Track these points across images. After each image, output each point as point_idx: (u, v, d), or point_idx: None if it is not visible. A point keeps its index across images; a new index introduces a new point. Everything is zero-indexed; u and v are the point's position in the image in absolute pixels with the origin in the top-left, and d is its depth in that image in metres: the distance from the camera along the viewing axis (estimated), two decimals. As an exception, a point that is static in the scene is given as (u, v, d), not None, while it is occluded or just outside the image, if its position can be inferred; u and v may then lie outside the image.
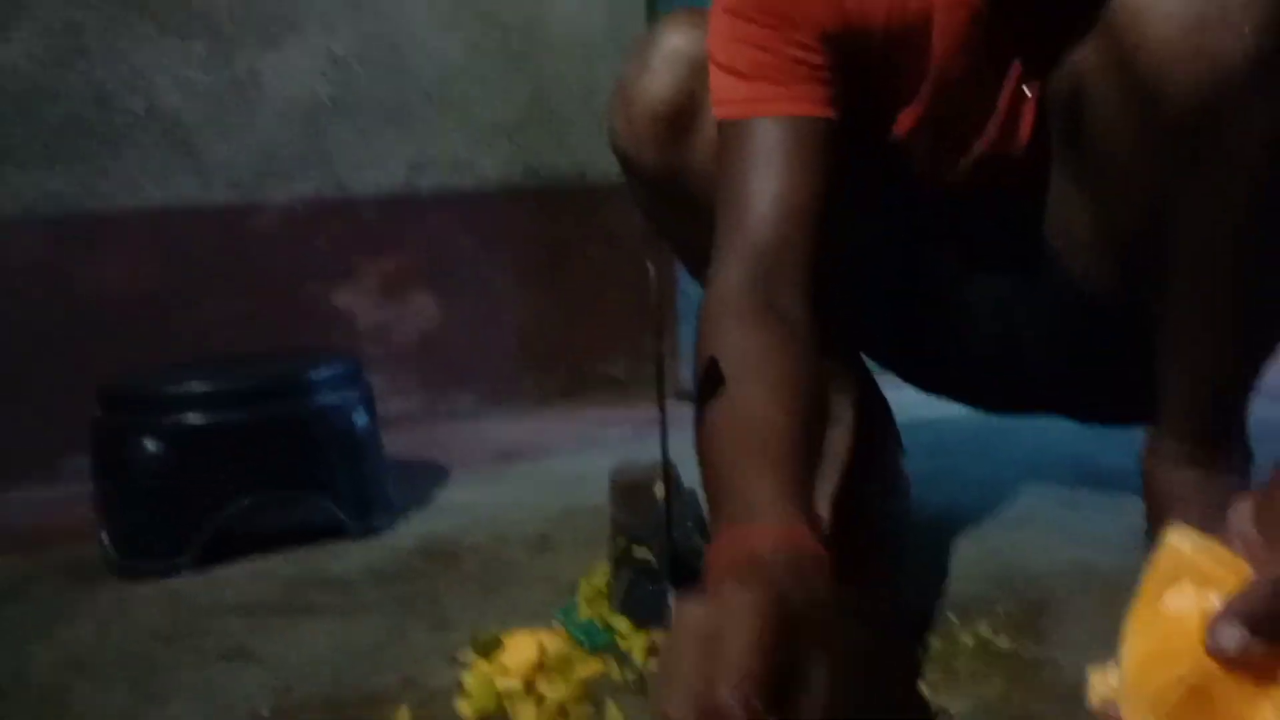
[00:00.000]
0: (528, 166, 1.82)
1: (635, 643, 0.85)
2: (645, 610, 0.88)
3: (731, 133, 0.85)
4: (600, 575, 0.98)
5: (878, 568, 1.03)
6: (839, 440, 1.12)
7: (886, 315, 1.07)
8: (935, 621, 0.88)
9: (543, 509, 1.27)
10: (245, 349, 1.45)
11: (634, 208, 1.10)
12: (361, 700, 0.81)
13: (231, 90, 1.62)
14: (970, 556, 1.03)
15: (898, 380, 1.22)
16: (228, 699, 0.82)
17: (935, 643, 0.84)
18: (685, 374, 1.85)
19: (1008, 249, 0.98)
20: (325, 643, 0.92)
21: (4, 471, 1.48)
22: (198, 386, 1.15)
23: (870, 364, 1.20)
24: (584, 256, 1.85)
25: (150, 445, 1.13)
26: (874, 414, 1.17)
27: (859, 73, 0.86)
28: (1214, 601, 0.47)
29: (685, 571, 0.89)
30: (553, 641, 0.86)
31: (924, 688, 0.76)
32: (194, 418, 1.13)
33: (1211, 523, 0.52)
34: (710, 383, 0.71)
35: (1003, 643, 0.83)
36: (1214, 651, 0.45)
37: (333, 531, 1.19)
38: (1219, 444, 0.91)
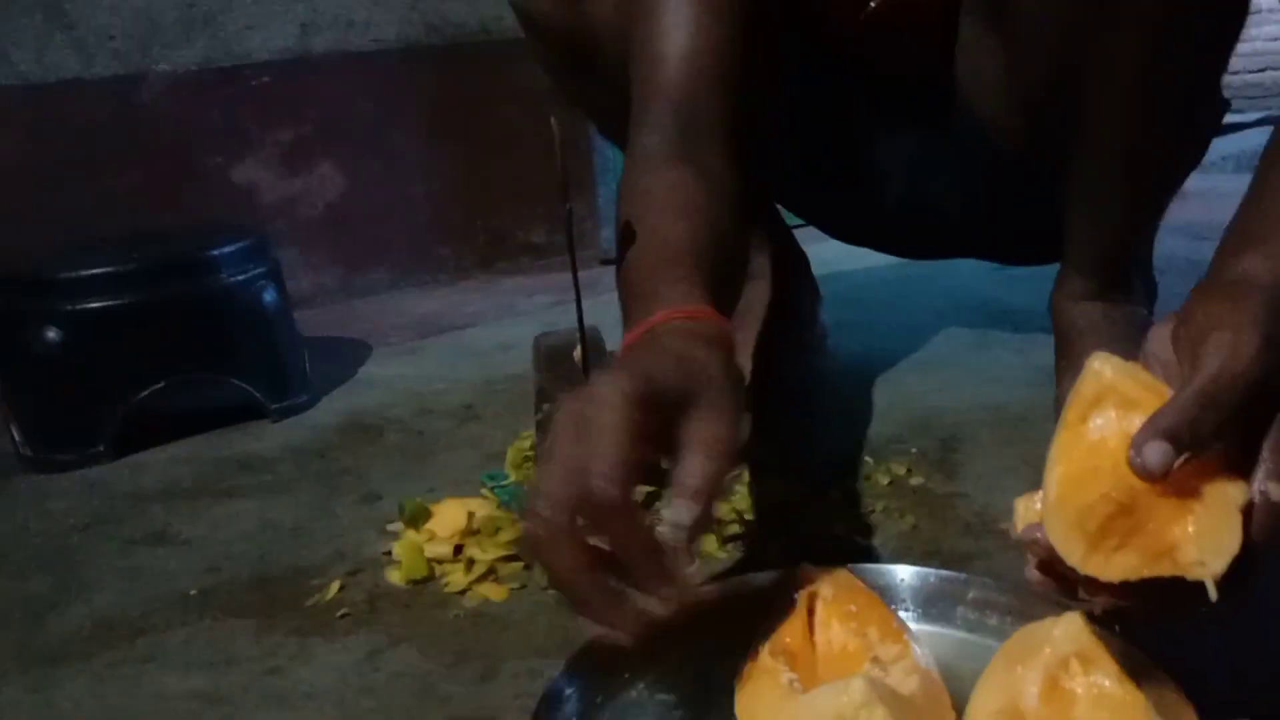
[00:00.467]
0: (428, 24, 1.74)
1: (562, 502, 0.86)
2: (570, 471, 0.88)
3: None
4: (526, 441, 0.99)
5: (795, 414, 1.05)
6: (758, 293, 1.13)
7: (802, 167, 1.06)
8: (851, 463, 0.90)
9: (465, 379, 1.26)
10: (142, 227, 1.38)
11: (540, 69, 1.06)
12: (291, 575, 0.81)
13: (104, -48, 1.51)
14: (885, 401, 1.06)
15: (814, 233, 1.23)
16: (154, 582, 0.82)
17: (851, 483, 0.86)
18: (606, 236, 1.83)
19: (920, 99, 0.97)
20: (250, 522, 0.92)
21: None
22: (97, 268, 1.10)
23: (787, 216, 1.20)
24: (494, 118, 1.80)
25: (51, 333, 1.09)
26: (791, 266, 1.18)
27: None
28: (1136, 423, 0.47)
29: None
30: (481, 507, 0.86)
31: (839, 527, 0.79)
32: (95, 301, 1.09)
33: (1118, 350, 0.53)
34: (630, 234, 0.70)
35: (915, 480, 0.87)
36: (1138, 468, 0.46)
37: (251, 413, 1.17)
38: (1124, 278, 0.93)
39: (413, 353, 1.42)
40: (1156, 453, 0.45)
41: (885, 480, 0.87)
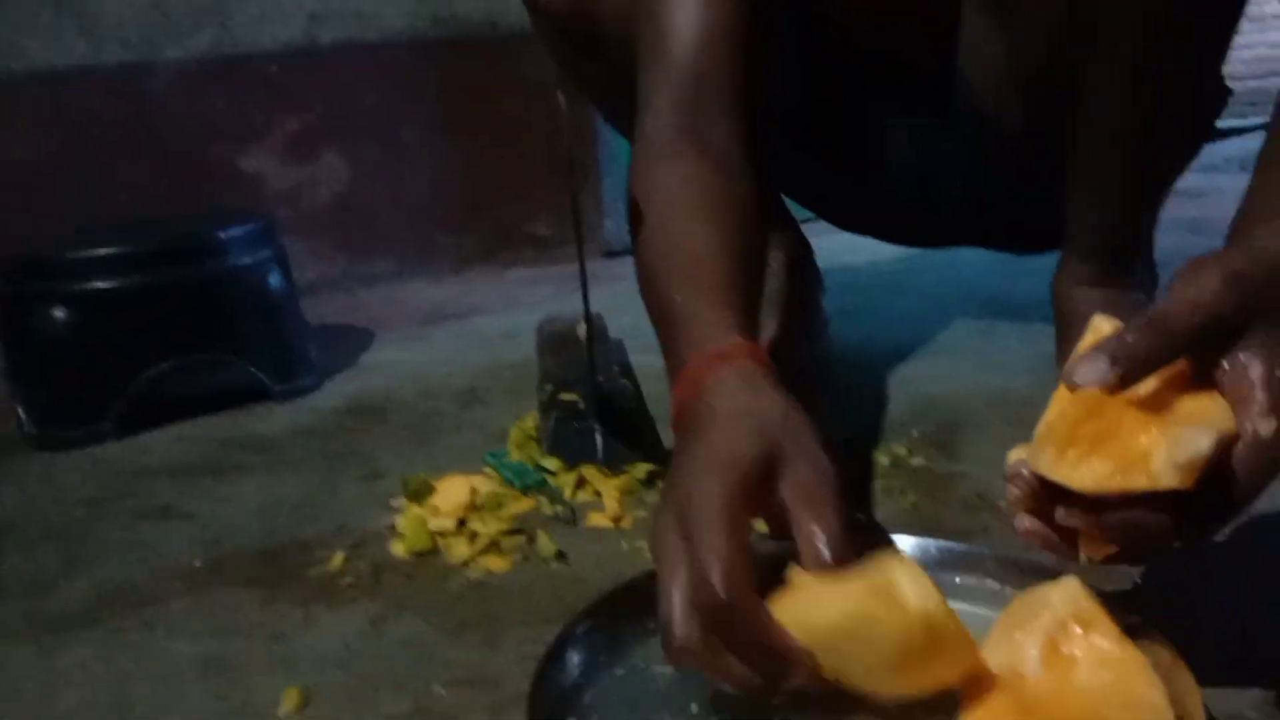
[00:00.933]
0: (435, 16, 1.75)
1: (565, 480, 0.87)
2: (574, 449, 0.89)
3: None
4: (529, 421, 0.99)
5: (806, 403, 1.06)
6: (775, 284, 1.13)
7: (804, 155, 1.07)
8: (853, 447, 0.91)
9: (470, 364, 1.27)
10: (150, 212, 1.39)
11: (547, 57, 1.06)
12: (295, 548, 0.81)
13: (115, -59, 1.52)
14: (886, 386, 1.06)
15: (817, 225, 1.23)
16: (159, 555, 0.83)
17: (853, 465, 0.87)
18: (610, 228, 1.84)
19: (923, 86, 0.98)
20: (255, 498, 0.92)
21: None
22: (104, 250, 1.11)
23: (789, 204, 1.21)
24: (500, 110, 1.80)
25: (59, 313, 1.09)
26: (797, 254, 1.18)
27: None
28: None
29: (611, 411, 0.91)
30: (484, 484, 0.87)
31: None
32: (102, 282, 1.10)
33: None
34: (644, 221, 0.71)
35: (916, 460, 0.87)
36: (1066, 377, 0.47)
37: (256, 395, 1.18)
38: (1125, 263, 0.94)
39: (417, 339, 1.42)
40: (1090, 367, 0.46)
41: (886, 460, 0.87)
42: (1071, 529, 0.49)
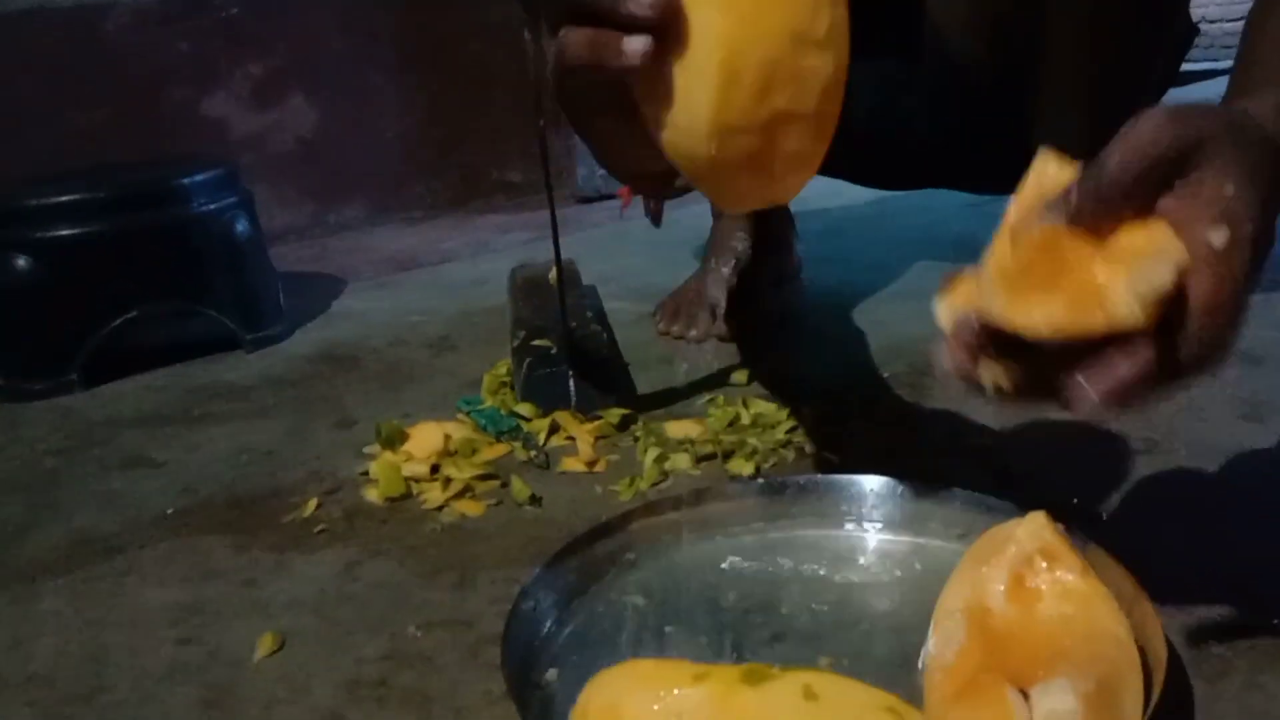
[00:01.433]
0: (401, -44, 1.72)
1: (538, 426, 0.87)
2: (547, 394, 0.89)
3: None
4: (502, 368, 0.99)
5: (770, 342, 1.06)
6: (737, 228, 1.13)
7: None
8: (824, 389, 0.91)
9: (441, 311, 1.26)
10: (111, 159, 1.37)
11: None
12: (267, 495, 0.81)
13: (64, -125, 1.47)
14: (858, 329, 1.07)
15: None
16: (131, 504, 0.82)
17: (822, 404, 0.87)
18: (582, 174, 1.82)
19: (890, 26, 0.97)
20: (226, 446, 0.92)
21: None
22: (66, 197, 1.09)
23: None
24: (468, 54, 1.78)
25: (21, 262, 1.07)
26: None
27: None
28: None
29: (584, 357, 0.91)
30: (457, 430, 0.87)
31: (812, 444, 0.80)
32: (64, 230, 1.08)
33: None
34: None
35: (886, 402, 0.88)
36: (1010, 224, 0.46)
37: (224, 344, 1.17)
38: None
39: (387, 287, 1.41)
40: (1043, 215, 0.45)
41: (857, 402, 0.88)
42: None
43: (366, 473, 0.82)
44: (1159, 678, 0.46)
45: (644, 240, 1.39)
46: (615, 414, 0.87)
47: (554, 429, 0.86)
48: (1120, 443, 0.77)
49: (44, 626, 0.66)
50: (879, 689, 0.44)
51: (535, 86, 0.82)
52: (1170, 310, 0.43)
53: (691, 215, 1.34)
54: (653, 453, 0.79)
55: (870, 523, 0.66)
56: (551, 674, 0.54)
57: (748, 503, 0.68)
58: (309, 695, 0.56)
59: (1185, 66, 1.26)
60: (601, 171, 1.83)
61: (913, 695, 0.46)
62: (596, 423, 0.86)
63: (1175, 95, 1.52)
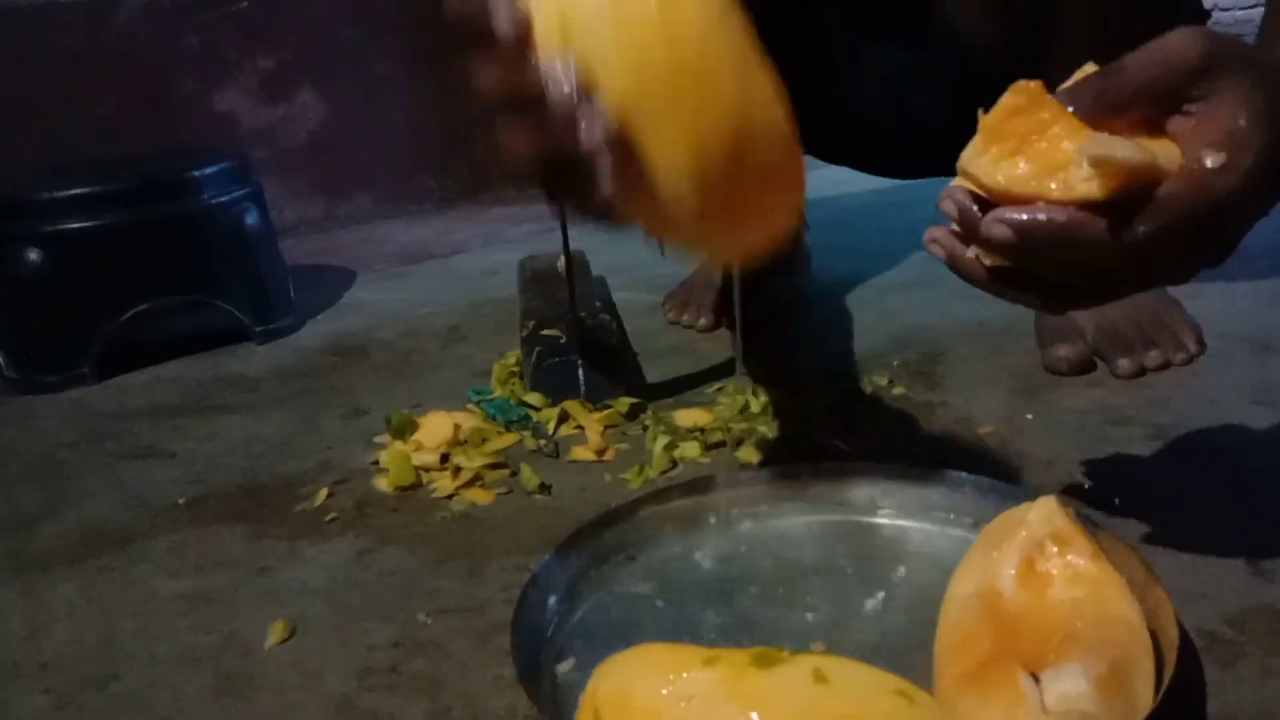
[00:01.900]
0: (409, -51, 1.71)
1: (548, 415, 0.87)
2: (557, 384, 0.89)
3: None
4: (512, 358, 0.99)
5: (779, 332, 1.06)
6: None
7: (782, 84, 1.06)
8: (835, 376, 0.91)
9: (451, 303, 1.26)
10: (122, 152, 1.37)
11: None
12: (278, 485, 0.81)
13: None
14: (868, 318, 1.06)
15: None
16: (143, 493, 0.83)
17: (832, 393, 0.87)
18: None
19: (900, 9, 0.97)
20: (238, 436, 0.92)
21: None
22: (78, 190, 1.09)
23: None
24: (476, 45, 1.77)
25: (32, 254, 1.08)
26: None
27: None
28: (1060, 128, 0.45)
29: (593, 346, 0.91)
30: (467, 420, 0.87)
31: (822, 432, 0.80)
32: (76, 223, 1.08)
33: None
34: None
35: (897, 390, 0.87)
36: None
37: (235, 336, 1.17)
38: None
39: (398, 279, 1.41)
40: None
41: (868, 390, 0.87)
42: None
43: (377, 462, 0.82)
44: (1171, 662, 0.46)
45: (653, 231, 1.38)
46: (624, 403, 0.87)
47: (563, 418, 0.86)
48: (1132, 429, 0.77)
49: (57, 614, 0.66)
50: (889, 672, 0.44)
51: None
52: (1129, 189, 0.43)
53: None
54: (662, 441, 0.79)
55: (880, 509, 0.66)
56: (561, 660, 0.54)
57: (757, 490, 0.68)
58: (320, 682, 0.57)
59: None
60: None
61: (923, 679, 0.46)
62: (606, 411, 0.86)
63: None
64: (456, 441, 0.84)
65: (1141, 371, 0.85)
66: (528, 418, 0.87)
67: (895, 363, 0.93)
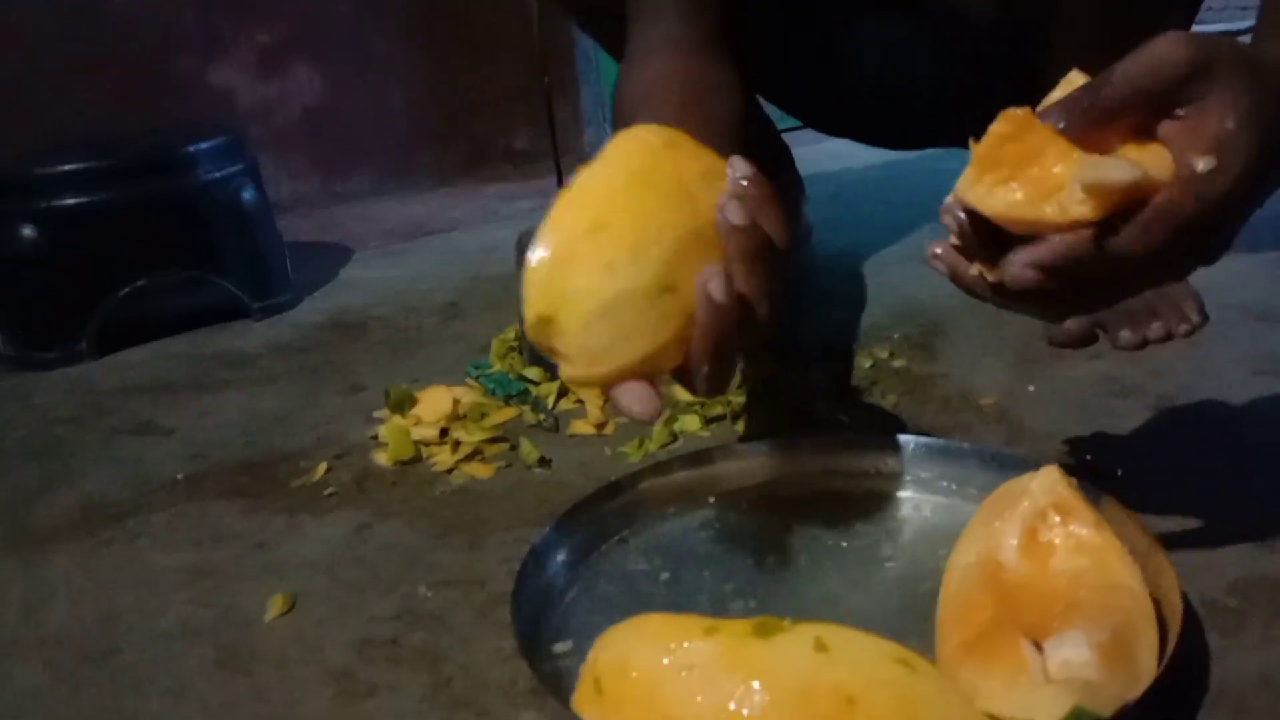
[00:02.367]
0: (405, -78, 1.70)
1: (547, 389, 0.87)
2: (555, 358, 0.89)
3: None
4: (511, 333, 0.99)
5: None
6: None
7: (778, 51, 1.05)
8: (835, 350, 0.91)
9: (450, 279, 1.26)
10: (118, 129, 1.36)
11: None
12: (278, 459, 0.81)
13: None
14: (868, 291, 1.06)
15: (800, 136, 1.22)
16: (140, 469, 0.82)
17: (833, 366, 0.87)
18: (590, 139, 1.81)
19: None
20: (236, 412, 0.92)
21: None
22: (73, 166, 1.09)
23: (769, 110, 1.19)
24: (474, 21, 1.76)
25: (29, 232, 1.07)
26: (777, 160, 1.17)
27: None
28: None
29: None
30: (466, 395, 0.87)
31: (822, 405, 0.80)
32: (72, 199, 1.08)
33: None
34: (623, 93, 0.68)
35: (897, 362, 0.87)
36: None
37: (233, 313, 1.17)
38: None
39: (396, 255, 1.41)
40: (1045, 117, 0.45)
41: (868, 363, 0.87)
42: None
43: (376, 437, 0.82)
44: (1174, 630, 0.46)
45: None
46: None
47: (563, 392, 0.86)
48: (1134, 400, 0.76)
49: (57, 590, 0.66)
50: (891, 641, 0.44)
51: (540, 50, 0.81)
52: (1121, 206, 0.43)
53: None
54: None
55: (882, 480, 0.65)
56: (562, 634, 0.54)
57: (757, 463, 0.67)
58: (321, 654, 0.57)
59: (1198, 28, 1.25)
60: (609, 136, 1.82)
61: (925, 649, 0.46)
62: (605, 386, 0.86)
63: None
64: (456, 416, 0.83)
65: (1143, 343, 0.85)
66: (527, 392, 0.87)
67: (896, 335, 0.93)
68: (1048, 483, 0.53)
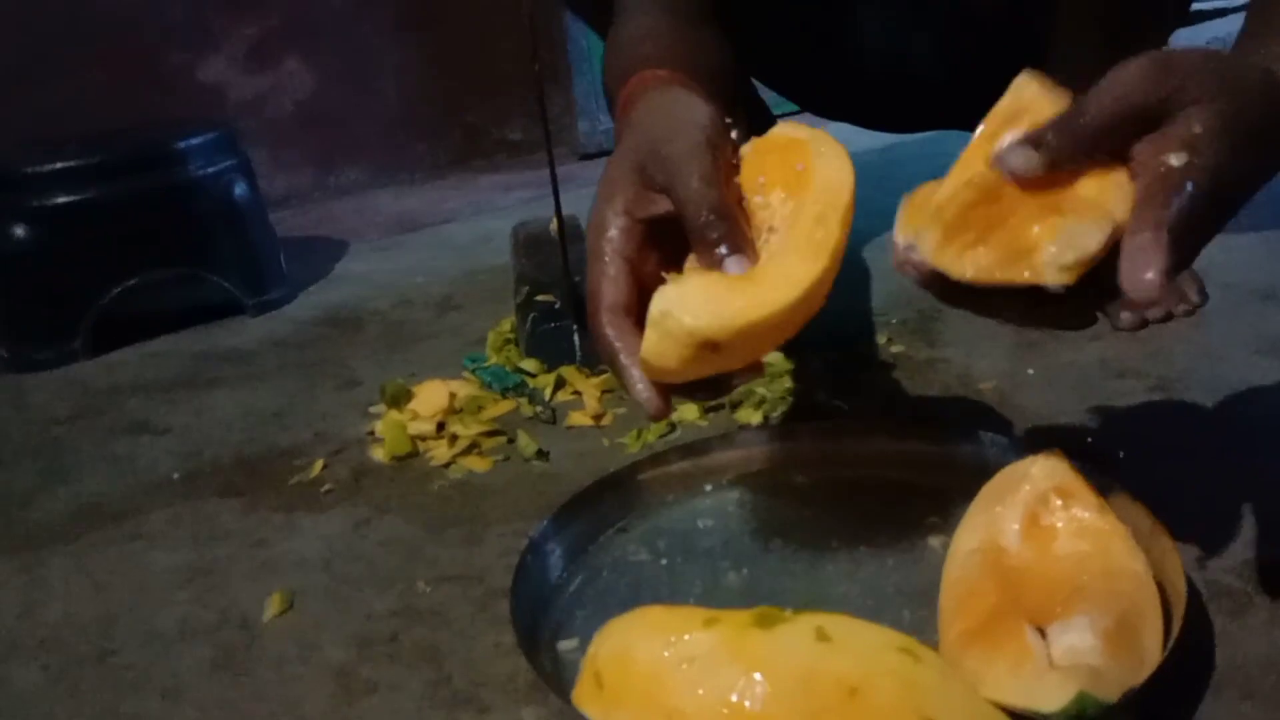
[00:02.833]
0: (394, -90, 1.69)
1: (544, 381, 0.86)
2: (552, 348, 0.88)
3: None
4: (507, 325, 0.98)
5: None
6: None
7: (777, 33, 1.04)
8: (831, 335, 0.90)
9: (445, 272, 1.25)
10: (108, 125, 1.35)
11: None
12: (273, 457, 0.81)
13: None
14: (867, 277, 1.05)
15: (798, 118, 1.21)
16: (137, 469, 0.82)
17: (831, 353, 0.86)
18: (583, 129, 1.80)
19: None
20: (232, 409, 0.91)
21: None
22: (63, 163, 1.08)
23: (767, 94, 1.18)
24: (465, 11, 1.75)
25: (20, 230, 1.07)
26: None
27: None
28: None
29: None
30: (462, 388, 0.86)
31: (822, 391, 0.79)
32: (63, 197, 1.07)
33: None
34: (612, 56, 0.68)
35: (896, 348, 0.87)
36: (994, 163, 0.44)
37: (227, 310, 1.16)
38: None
39: (390, 248, 1.40)
40: (1016, 154, 0.44)
41: (866, 349, 0.87)
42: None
43: (373, 432, 0.81)
44: (1179, 614, 0.45)
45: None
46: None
47: (560, 384, 0.85)
48: (1134, 382, 0.76)
49: (54, 591, 0.66)
50: (893, 630, 0.43)
51: (532, 38, 0.80)
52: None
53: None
54: (660, 404, 0.78)
55: (881, 466, 0.65)
56: (562, 629, 0.54)
57: (756, 451, 0.67)
58: (320, 652, 0.56)
59: (1197, 5, 1.24)
60: (603, 127, 1.81)
61: (928, 637, 0.46)
62: (602, 376, 0.85)
63: (1184, 36, 1.49)
64: (452, 410, 0.83)
65: (1143, 324, 0.84)
66: (524, 384, 0.86)
67: (894, 320, 0.92)
68: (1049, 467, 0.52)
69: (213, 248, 1.14)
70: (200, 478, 0.79)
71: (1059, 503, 0.51)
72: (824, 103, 1.15)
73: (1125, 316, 0.84)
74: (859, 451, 0.66)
